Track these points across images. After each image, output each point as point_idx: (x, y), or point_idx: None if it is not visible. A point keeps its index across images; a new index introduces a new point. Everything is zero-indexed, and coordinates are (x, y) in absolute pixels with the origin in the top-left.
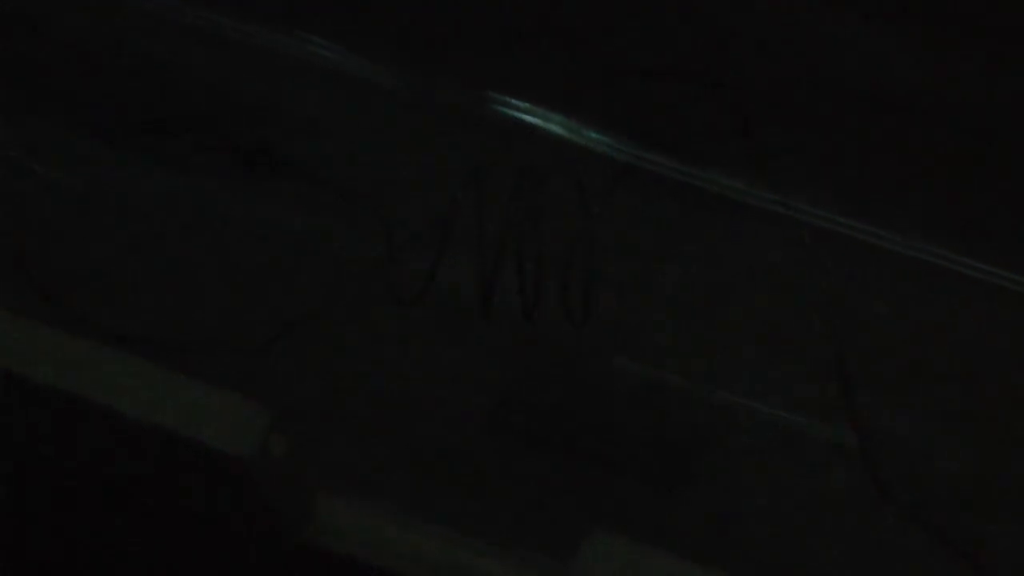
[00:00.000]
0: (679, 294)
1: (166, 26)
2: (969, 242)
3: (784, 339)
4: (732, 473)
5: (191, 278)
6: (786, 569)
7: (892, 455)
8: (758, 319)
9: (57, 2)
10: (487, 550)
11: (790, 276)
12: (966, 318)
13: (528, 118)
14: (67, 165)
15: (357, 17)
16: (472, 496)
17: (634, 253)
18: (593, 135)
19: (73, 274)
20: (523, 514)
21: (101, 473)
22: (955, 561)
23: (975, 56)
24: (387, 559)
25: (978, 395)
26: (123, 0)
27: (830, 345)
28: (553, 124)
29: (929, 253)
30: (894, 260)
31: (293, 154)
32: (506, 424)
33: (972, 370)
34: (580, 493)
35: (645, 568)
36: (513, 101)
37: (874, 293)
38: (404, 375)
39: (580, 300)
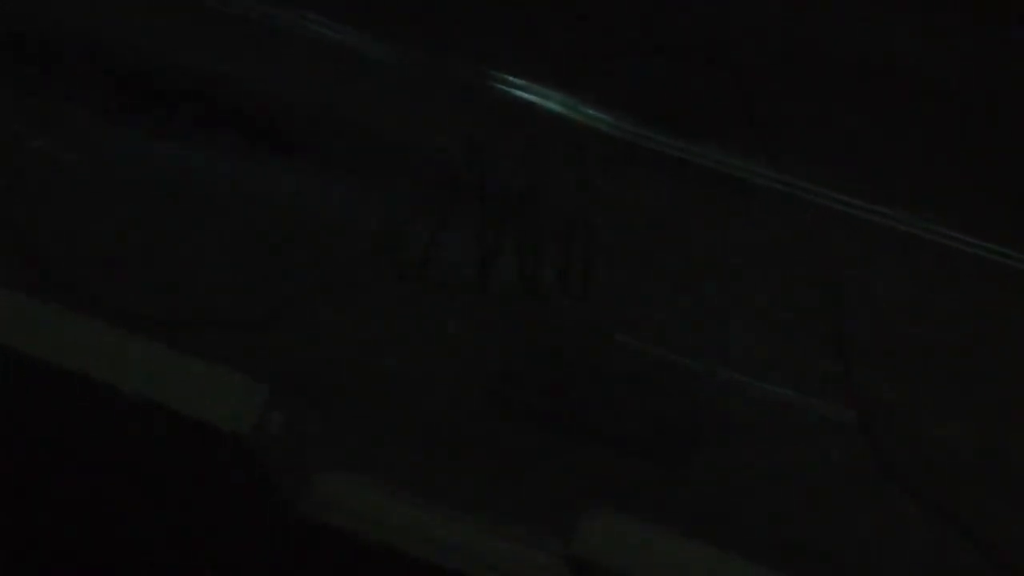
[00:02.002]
0: (678, 271)
1: (169, 1)
2: (968, 219)
3: (784, 316)
4: (732, 450)
5: (190, 254)
6: (787, 545)
7: (892, 431)
8: (758, 296)
9: None
10: (486, 526)
11: (790, 253)
12: (965, 294)
13: (528, 95)
14: (67, 140)
15: None
16: (471, 472)
17: (633, 230)
18: (592, 112)
19: (72, 250)
20: (522, 490)
21: (98, 449)
22: (956, 535)
23: (977, 32)
24: (385, 535)
25: (977, 370)
26: None
27: (830, 321)
28: (552, 101)
29: (928, 230)
30: (893, 236)
31: (293, 129)
32: (506, 400)
33: (971, 346)
34: (580, 470)
35: (645, 545)
36: (513, 79)
37: (874, 269)
38: (403, 351)
39: (580, 277)
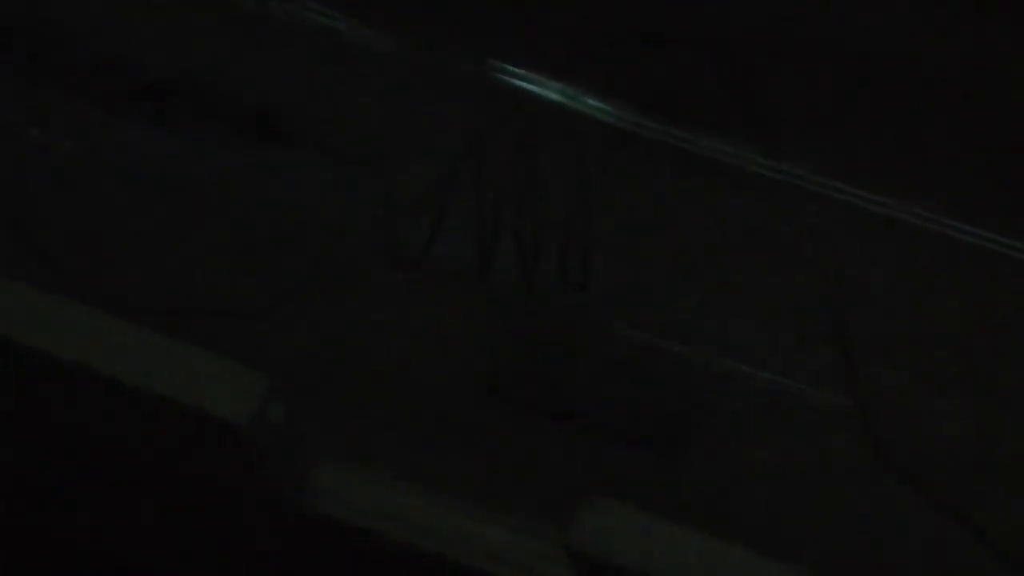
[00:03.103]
0: (677, 261)
1: None
2: (967, 208)
3: (782, 305)
4: (730, 439)
5: (189, 245)
6: (784, 535)
7: (890, 421)
8: (756, 285)
9: None
10: (484, 516)
11: (788, 242)
12: (964, 283)
13: (527, 85)
14: (66, 130)
15: None
16: (469, 462)
17: (632, 220)
18: (591, 102)
19: (71, 240)
20: (520, 480)
21: (99, 439)
22: (953, 525)
23: (977, 21)
24: (384, 525)
25: (976, 360)
26: None
27: (828, 311)
28: (552, 91)
29: (927, 219)
30: (892, 226)
31: (291, 120)
32: (504, 390)
33: (970, 336)
34: (578, 460)
35: (642, 534)
36: (512, 68)
37: (872, 259)
38: (402, 341)
39: (578, 267)
